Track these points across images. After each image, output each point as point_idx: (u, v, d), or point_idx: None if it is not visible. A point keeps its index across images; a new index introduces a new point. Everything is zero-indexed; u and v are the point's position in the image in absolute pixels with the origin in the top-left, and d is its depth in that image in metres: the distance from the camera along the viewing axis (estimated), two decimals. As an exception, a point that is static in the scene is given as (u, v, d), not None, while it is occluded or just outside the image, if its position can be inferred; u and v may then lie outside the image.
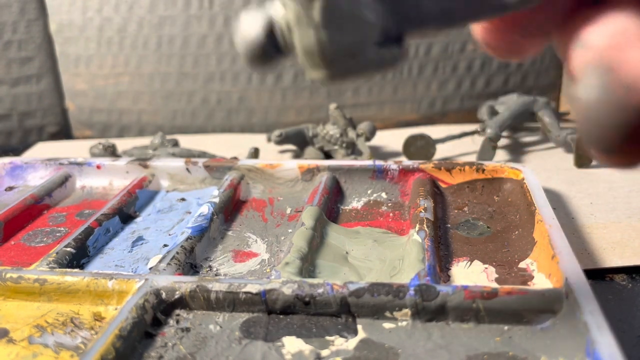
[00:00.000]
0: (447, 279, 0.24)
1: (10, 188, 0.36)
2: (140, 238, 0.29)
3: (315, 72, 0.14)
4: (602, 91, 0.12)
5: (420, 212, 0.28)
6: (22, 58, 0.53)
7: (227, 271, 0.26)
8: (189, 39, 0.52)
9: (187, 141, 0.48)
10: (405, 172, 0.33)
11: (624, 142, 0.12)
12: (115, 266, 0.27)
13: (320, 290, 0.22)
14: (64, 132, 0.55)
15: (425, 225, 0.26)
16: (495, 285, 0.22)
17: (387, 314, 0.21)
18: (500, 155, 0.43)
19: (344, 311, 0.22)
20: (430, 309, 0.21)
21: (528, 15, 0.16)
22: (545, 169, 0.39)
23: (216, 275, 0.26)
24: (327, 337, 0.21)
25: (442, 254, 0.26)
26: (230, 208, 0.32)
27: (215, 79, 0.53)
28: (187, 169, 0.35)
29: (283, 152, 0.46)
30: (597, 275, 0.26)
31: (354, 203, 0.32)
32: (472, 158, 0.42)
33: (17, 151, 0.50)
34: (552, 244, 0.24)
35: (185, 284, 0.22)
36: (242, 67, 0.52)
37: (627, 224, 0.30)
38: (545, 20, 0.16)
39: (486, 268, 0.25)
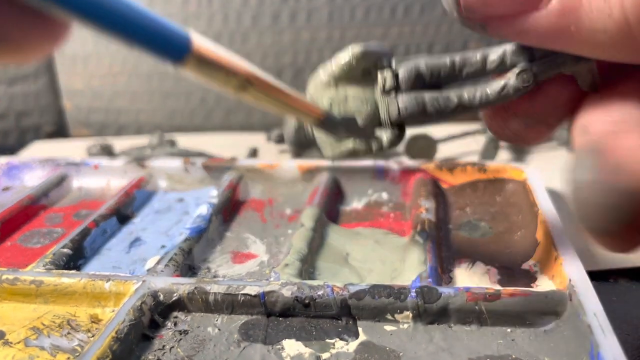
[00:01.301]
0: (449, 280, 0.24)
1: (7, 188, 0.36)
2: (137, 239, 0.29)
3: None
4: (593, 173, 0.13)
5: (422, 212, 0.28)
6: (20, 57, 0.52)
7: (225, 273, 0.26)
8: (188, 37, 0.51)
9: (186, 141, 0.48)
10: (407, 172, 0.33)
11: (613, 223, 0.13)
12: (113, 267, 0.27)
13: (320, 292, 0.21)
14: (61, 132, 0.55)
15: (426, 226, 0.26)
16: (497, 287, 0.22)
17: (388, 316, 0.21)
18: (503, 155, 0.42)
19: (344, 313, 0.21)
20: (432, 311, 0.21)
21: (526, 107, 0.18)
22: (548, 169, 0.38)
23: (214, 276, 0.25)
24: (328, 340, 0.20)
25: (443, 255, 0.26)
26: (229, 208, 0.31)
27: (214, 78, 0.52)
28: (186, 169, 0.35)
29: (283, 152, 0.46)
30: (601, 276, 0.26)
31: (355, 203, 0.32)
32: (474, 158, 0.41)
33: (13, 151, 0.50)
34: (555, 245, 0.23)
35: (183, 285, 0.22)
36: (241, 66, 0.52)
37: (630, 225, 0.30)
38: (543, 112, 0.18)
39: (489, 269, 0.25)
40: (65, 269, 0.25)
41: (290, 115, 0.16)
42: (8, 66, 0.52)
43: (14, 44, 0.11)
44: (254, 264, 0.26)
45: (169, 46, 0.12)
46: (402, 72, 0.19)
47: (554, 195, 0.34)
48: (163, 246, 0.28)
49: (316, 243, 0.26)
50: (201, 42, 0.13)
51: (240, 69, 0.14)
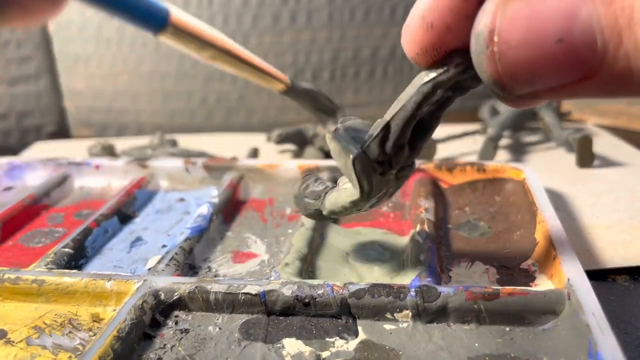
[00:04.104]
0: (448, 280, 0.24)
1: (9, 188, 0.36)
2: (138, 238, 0.29)
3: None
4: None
5: (421, 212, 0.28)
6: (21, 57, 0.53)
7: (226, 272, 0.26)
8: (189, 38, 0.51)
9: (186, 141, 0.48)
10: (406, 172, 0.33)
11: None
12: (114, 267, 0.27)
13: (320, 292, 0.21)
14: (62, 132, 0.55)
15: (426, 226, 0.26)
16: (496, 286, 0.22)
17: (388, 315, 0.21)
18: (502, 155, 0.43)
19: (344, 312, 0.21)
20: (431, 310, 0.21)
21: None
22: (546, 169, 0.39)
23: (215, 276, 0.26)
24: (327, 339, 0.21)
25: (443, 255, 0.26)
26: (230, 208, 0.31)
27: (215, 78, 0.52)
28: (186, 169, 0.35)
29: (283, 152, 0.46)
30: (599, 276, 0.26)
31: (354, 203, 0.32)
32: (473, 158, 0.42)
33: (15, 151, 0.50)
34: (553, 244, 0.23)
35: (184, 285, 0.22)
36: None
37: (630, 225, 0.30)
38: None
39: (487, 269, 0.25)
40: (67, 269, 0.25)
41: (260, 82, 0.17)
42: (13, 30, 0.52)
43: (20, 6, 0.12)
44: (255, 263, 0.27)
45: (151, 17, 0.14)
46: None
47: (552, 195, 0.34)
48: (164, 246, 0.28)
49: (316, 242, 0.26)
50: (178, 15, 0.15)
51: (212, 39, 0.16)
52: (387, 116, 0.19)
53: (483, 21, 0.14)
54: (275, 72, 0.18)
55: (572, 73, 0.14)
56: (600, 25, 0.13)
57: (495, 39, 0.14)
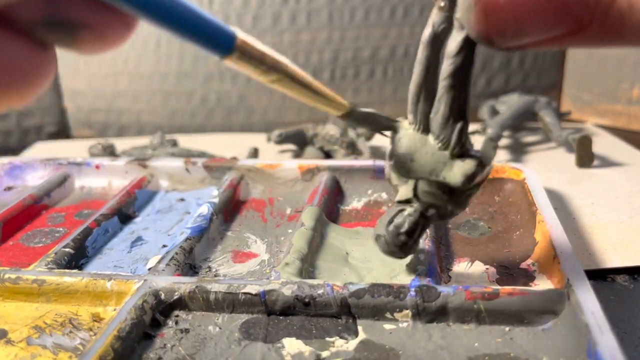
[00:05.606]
0: (448, 279, 0.24)
1: (9, 188, 0.36)
2: (139, 238, 0.29)
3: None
4: None
5: (421, 212, 0.28)
6: (21, 57, 0.53)
7: (226, 272, 0.26)
8: (189, 38, 0.51)
9: (187, 141, 0.48)
10: (406, 172, 0.33)
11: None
12: (114, 267, 0.27)
13: (320, 291, 0.21)
14: (62, 132, 0.55)
15: (425, 226, 0.26)
16: (496, 286, 0.22)
17: (388, 315, 0.21)
18: (501, 155, 0.43)
19: (344, 312, 0.21)
20: (431, 309, 0.21)
21: None
22: (546, 169, 0.39)
23: (215, 276, 0.26)
24: (327, 338, 0.21)
25: (443, 255, 0.26)
26: (230, 208, 0.31)
27: (215, 78, 0.53)
28: (187, 169, 0.35)
29: (283, 152, 0.46)
30: (599, 275, 0.26)
31: (354, 203, 0.32)
32: (473, 158, 0.41)
33: (15, 151, 0.50)
34: (553, 244, 0.23)
35: (184, 284, 0.22)
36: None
37: (629, 224, 0.30)
38: None
39: (487, 269, 0.25)
40: (67, 268, 0.25)
41: (321, 106, 0.18)
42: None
43: (95, 31, 0.12)
44: (255, 263, 0.27)
45: (218, 41, 0.14)
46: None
47: (552, 195, 0.34)
48: (164, 245, 0.28)
49: (316, 242, 0.27)
50: (245, 38, 0.15)
51: (276, 63, 0.16)
52: None
53: None
54: (336, 97, 0.18)
55: (562, 27, 0.13)
56: None
57: None
